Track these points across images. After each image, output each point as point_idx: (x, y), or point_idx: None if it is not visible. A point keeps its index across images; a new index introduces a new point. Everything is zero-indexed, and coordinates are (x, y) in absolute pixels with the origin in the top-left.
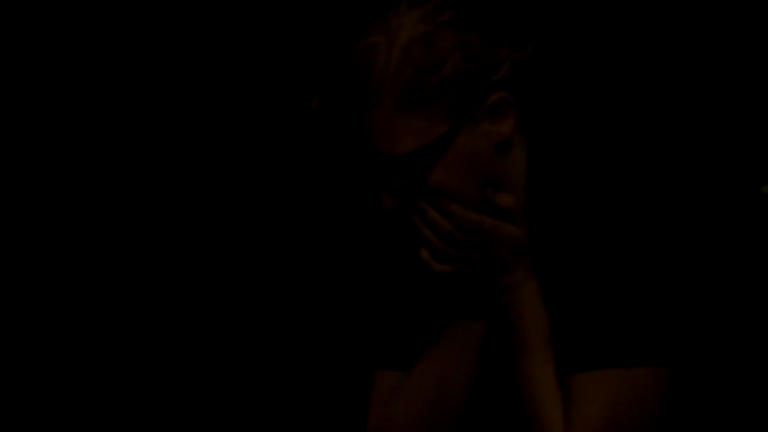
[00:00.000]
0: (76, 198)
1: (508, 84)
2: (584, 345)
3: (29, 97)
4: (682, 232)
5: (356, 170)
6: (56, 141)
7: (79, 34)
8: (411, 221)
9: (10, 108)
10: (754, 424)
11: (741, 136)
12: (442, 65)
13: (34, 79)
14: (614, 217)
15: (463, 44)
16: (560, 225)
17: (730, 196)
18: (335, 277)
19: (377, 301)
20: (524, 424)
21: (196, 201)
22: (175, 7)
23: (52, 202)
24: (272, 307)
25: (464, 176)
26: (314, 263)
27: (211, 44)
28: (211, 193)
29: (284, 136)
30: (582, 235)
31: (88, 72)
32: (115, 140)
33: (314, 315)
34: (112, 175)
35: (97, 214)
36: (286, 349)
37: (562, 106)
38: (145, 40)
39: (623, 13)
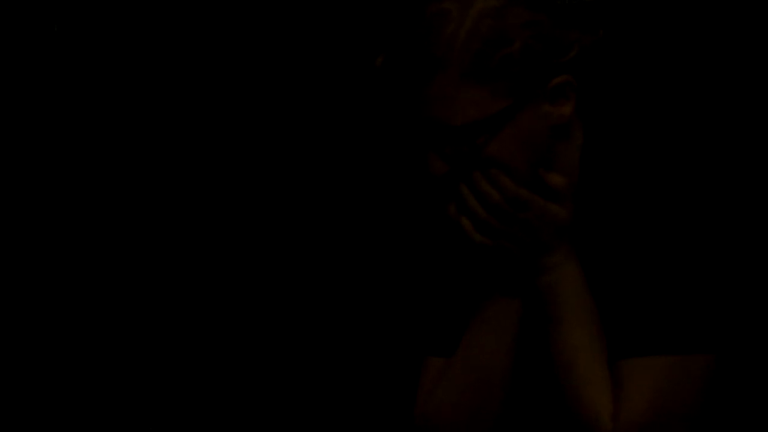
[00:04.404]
0: (76, 198)
1: (574, 68)
2: (632, 332)
3: (29, 97)
4: (735, 222)
5: (411, 134)
6: (56, 141)
7: (80, 34)
8: (458, 190)
9: (10, 108)
10: None
11: None
12: (511, 42)
13: (34, 79)
14: (667, 205)
15: (533, 23)
16: (612, 211)
17: None
18: (383, 266)
19: (423, 288)
20: (564, 411)
21: (211, 200)
22: (181, 3)
23: (53, 202)
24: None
25: (519, 153)
26: (361, 255)
27: (212, 41)
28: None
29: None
30: (633, 221)
31: (89, 72)
32: (115, 140)
33: (362, 305)
34: (112, 175)
35: (97, 214)
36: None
37: (622, 95)
38: (146, 39)
39: (676, 2)
